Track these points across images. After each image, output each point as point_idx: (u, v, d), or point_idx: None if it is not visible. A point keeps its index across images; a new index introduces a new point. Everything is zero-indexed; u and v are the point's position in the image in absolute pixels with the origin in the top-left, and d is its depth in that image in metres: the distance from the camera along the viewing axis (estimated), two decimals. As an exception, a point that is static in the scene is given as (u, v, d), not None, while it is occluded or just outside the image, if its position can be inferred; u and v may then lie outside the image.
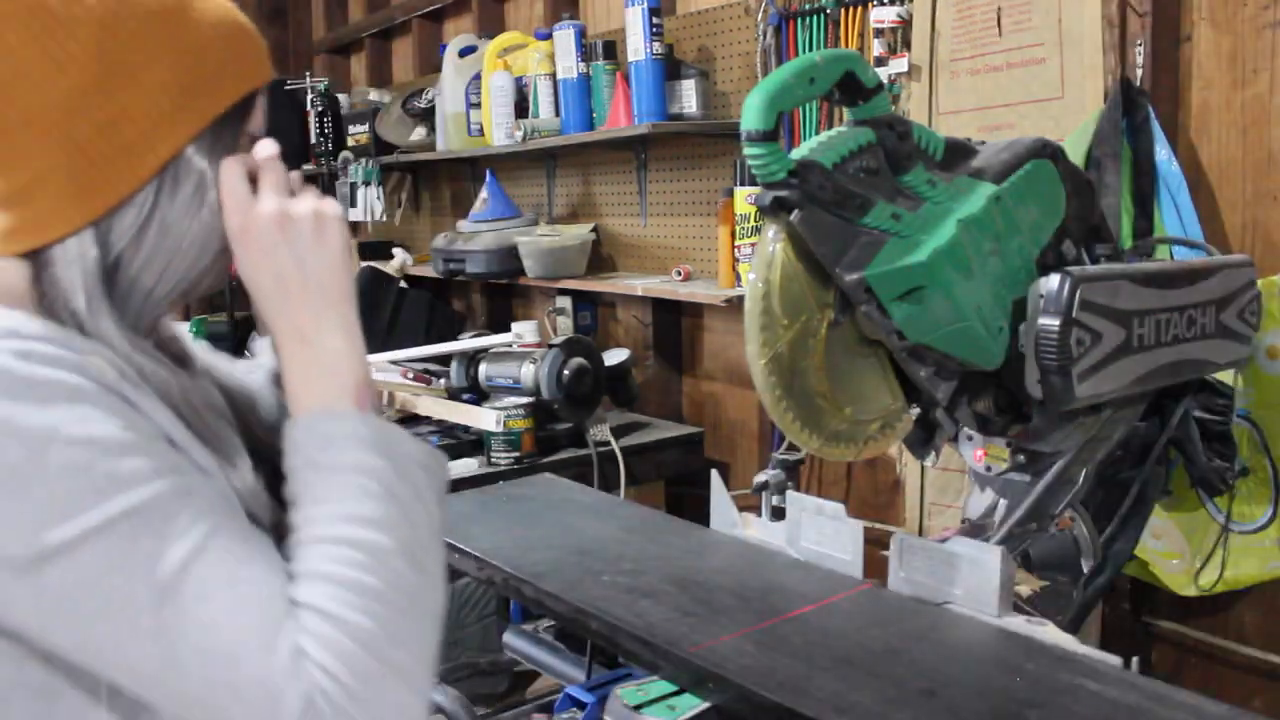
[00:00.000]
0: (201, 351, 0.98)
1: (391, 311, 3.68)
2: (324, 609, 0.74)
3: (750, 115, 1.09)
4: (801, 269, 1.15)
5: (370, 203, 4.10)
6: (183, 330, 0.98)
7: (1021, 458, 1.36)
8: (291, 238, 0.84)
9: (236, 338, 4.32)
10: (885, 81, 1.20)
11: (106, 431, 0.72)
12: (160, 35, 0.81)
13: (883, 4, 2.37)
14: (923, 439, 1.33)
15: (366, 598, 0.75)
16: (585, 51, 3.01)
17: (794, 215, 1.10)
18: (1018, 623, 1.29)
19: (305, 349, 0.83)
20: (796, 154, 1.12)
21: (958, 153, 1.23)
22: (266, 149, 0.88)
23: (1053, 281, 1.21)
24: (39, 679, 0.76)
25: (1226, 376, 1.66)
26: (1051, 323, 1.20)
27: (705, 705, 1.23)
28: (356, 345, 0.85)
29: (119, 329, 0.80)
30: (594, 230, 3.29)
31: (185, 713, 0.74)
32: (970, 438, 1.40)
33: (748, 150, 1.09)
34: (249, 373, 1.00)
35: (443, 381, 2.92)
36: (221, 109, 0.85)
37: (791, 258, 1.14)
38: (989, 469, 1.39)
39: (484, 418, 2.59)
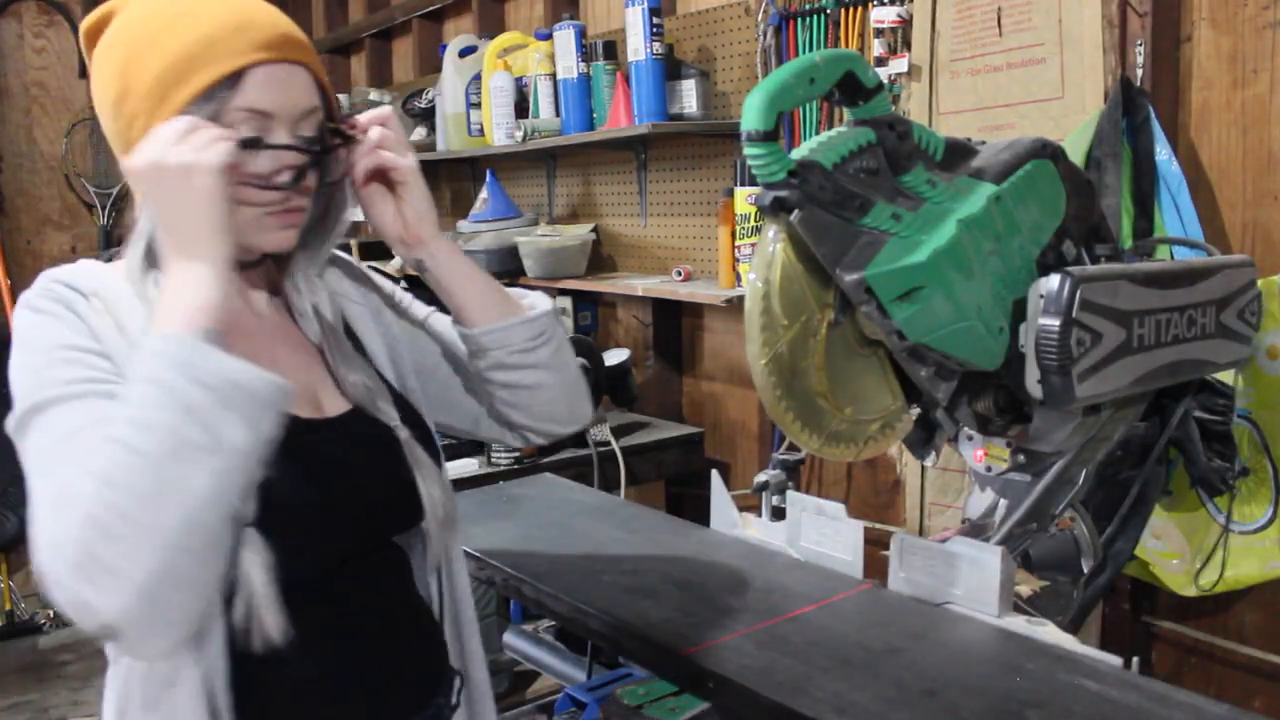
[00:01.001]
0: None
1: (392, 311, 3.67)
2: (81, 494, 0.87)
3: (750, 115, 1.09)
4: (801, 269, 1.15)
5: (370, 203, 4.09)
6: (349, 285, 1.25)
7: (1021, 458, 1.36)
8: (161, 183, 0.96)
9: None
10: (885, 81, 1.17)
11: (56, 343, 0.97)
12: (157, 45, 1.00)
13: (883, 4, 2.37)
14: (923, 439, 1.33)
15: (106, 489, 0.86)
16: (585, 51, 3.00)
17: (794, 216, 1.10)
18: (1018, 623, 1.29)
19: (168, 278, 0.96)
20: (797, 154, 1.11)
21: (958, 153, 1.23)
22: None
23: (1053, 281, 1.21)
24: None
25: (1227, 376, 1.66)
26: (1052, 323, 1.20)
27: (705, 705, 1.23)
28: (206, 278, 0.95)
29: (142, 277, 1.03)
30: (594, 230, 3.29)
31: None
32: (970, 438, 1.40)
33: (748, 150, 1.09)
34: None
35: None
36: (194, 92, 1.00)
37: (791, 258, 1.14)
38: (989, 469, 1.38)
39: (484, 418, 2.59)
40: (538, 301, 1.23)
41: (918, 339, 1.15)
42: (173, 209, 0.96)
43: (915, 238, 1.14)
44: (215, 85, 1.00)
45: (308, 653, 1.02)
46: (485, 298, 1.18)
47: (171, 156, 0.95)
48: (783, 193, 1.09)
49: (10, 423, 0.96)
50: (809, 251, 1.13)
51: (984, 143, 1.28)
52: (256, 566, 0.96)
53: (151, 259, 1.03)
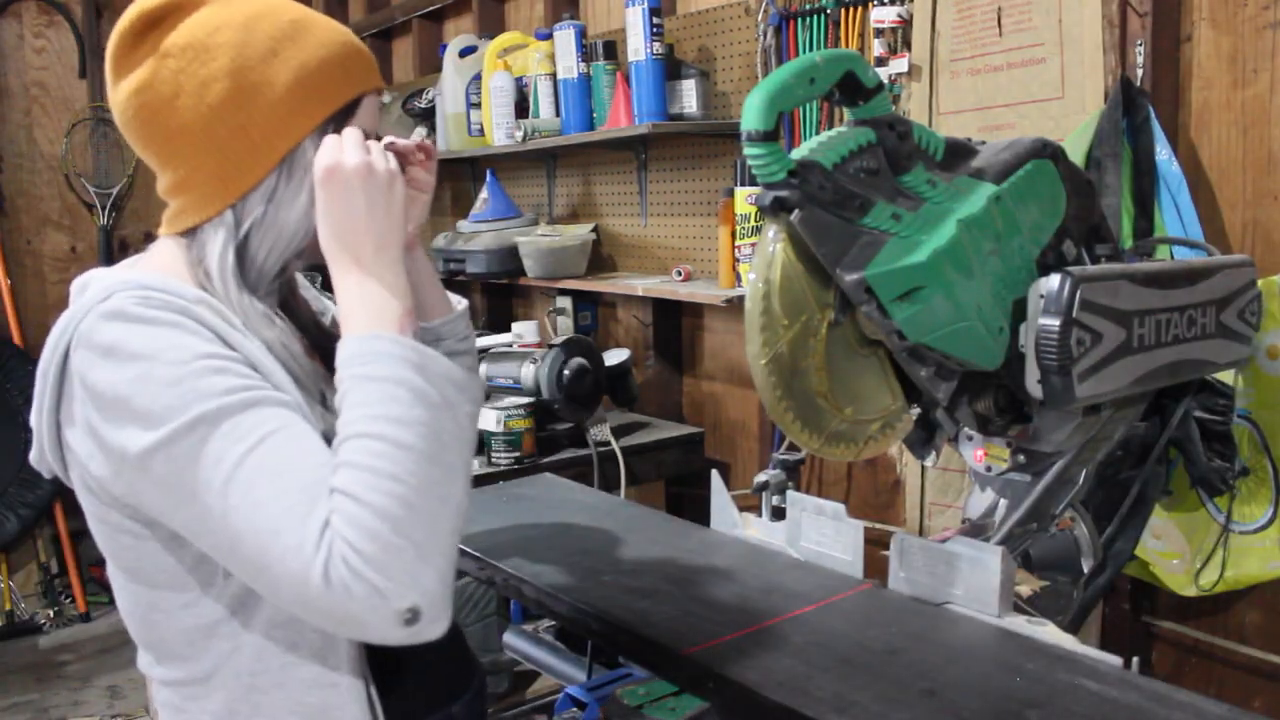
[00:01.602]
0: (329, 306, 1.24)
1: (392, 311, 3.67)
2: (351, 492, 0.88)
3: (750, 115, 1.09)
4: (802, 269, 1.15)
5: (370, 203, 4.09)
6: (314, 294, 1.27)
7: (1021, 458, 1.36)
8: (368, 186, 1.00)
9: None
10: (885, 81, 1.17)
11: (194, 353, 0.94)
12: (280, 55, 1.03)
13: (883, 4, 2.37)
14: (923, 439, 1.33)
15: (387, 482, 0.88)
16: (585, 51, 3.00)
17: (794, 215, 1.10)
18: (1018, 623, 1.29)
19: (362, 280, 0.99)
20: (797, 154, 1.11)
21: (958, 153, 1.23)
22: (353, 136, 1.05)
23: (1053, 281, 1.21)
24: (171, 563, 1.01)
25: (1227, 376, 1.66)
26: (1052, 322, 1.20)
27: (705, 705, 1.23)
28: (402, 282, 1.01)
29: (239, 287, 1.03)
30: (594, 230, 3.29)
31: (248, 578, 0.94)
32: (970, 438, 1.40)
33: (748, 150, 1.09)
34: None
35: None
36: (330, 111, 1.06)
37: (792, 258, 1.14)
38: (989, 469, 1.39)
39: (484, 418, 2.59)
40: (454, 296, 1.31)
41: (918, 339, 1.14)
42: (372, 213, 1.00)
43: (915, 238, 1.14)
44: (346, 106, 1.07)
45: None
46: (442, 293, 1.26)
47: (379, 163, 1.01)
48: (783, 193, 1.09)
49: (148, 440, 0.92)
50: (809, 251, 1.13)
51: (984, 143, 1.28)
52: None
53: (240, 265, 1.04)
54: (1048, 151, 1.25)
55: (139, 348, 0.93)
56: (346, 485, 0.88)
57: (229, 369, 0.95)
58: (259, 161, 1.03)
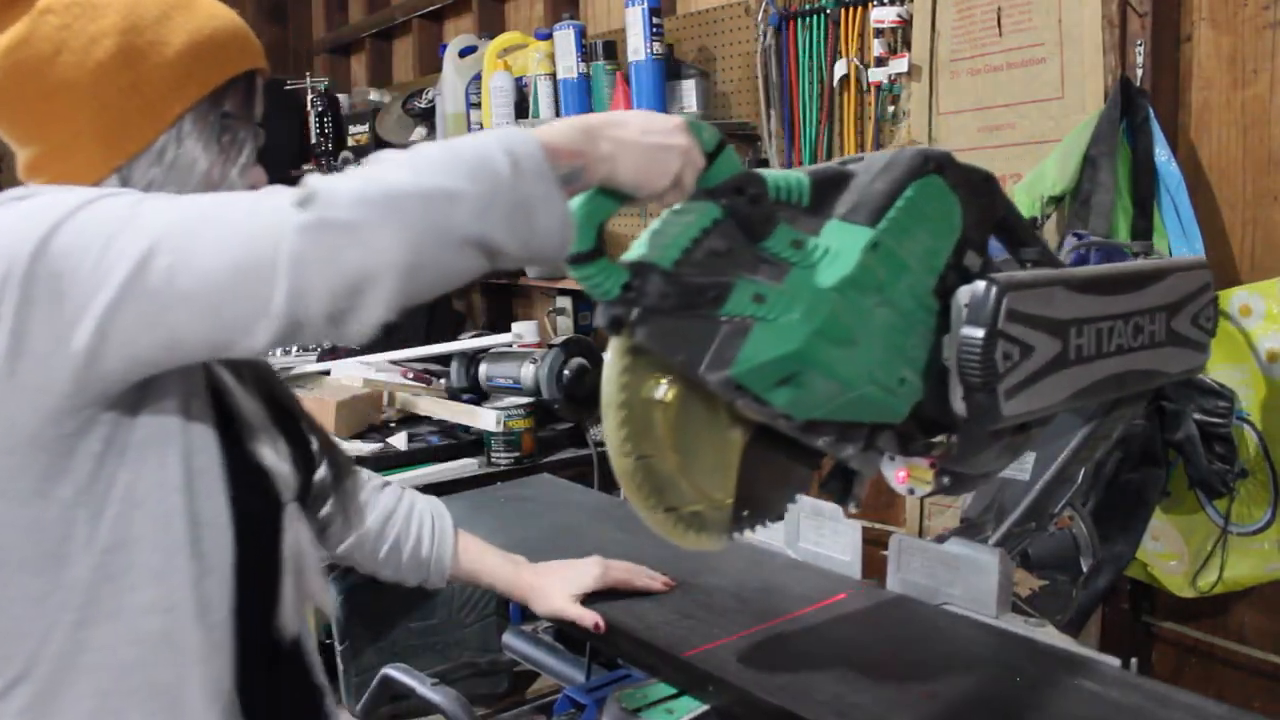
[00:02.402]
0: None
1: (392, 311, 3.67)
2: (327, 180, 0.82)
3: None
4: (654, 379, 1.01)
5: (370, 203, 4.09)
6: None
7: (947, 480, 1.22)
8: (630, 114, 0.96)
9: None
10: (725, 139, 1.00)
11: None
12: (172, 18, 1.01)
13: (883, 4, 2.37)
14: (841, 488, 1.18)
15: (391, 167, 0.83)
16: (585, 51, 3.00)
17: (638, 333, 0.96)
18: (1017, 623, 1.29)
19: (551, 123, 0.92)
20: (633, 254, 0.97)
21: (828, 186, 1.07)
22: None
23: (977, 288, 1.07)
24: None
25: (1227, 378, 1.66)
26: (975, 333, 1.06)
27: (704, 708, 1.23)
28: (577, 133, 0.92)
29: None
30: (594, 230, 3.28)
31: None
32: (891, 458, 1.23)
33: (573, 273, 0.95)
34: None
35: (443, 381, 2.91)
36: (224, 78, 1.04)
37: (636, 381, 1.01)
38: (912, 491, 1.24)
39: (484, 418, 2.59)
40: None
41: (807, 416, 1.03)
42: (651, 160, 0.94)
43: (784, 318, 0.99)
44: (240, 78, 1.05)
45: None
46: None
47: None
48: (618, 310, 0.95)
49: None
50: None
51: (861, 158, 1.11)
52: (306, 538, 1.02)
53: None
54: (930, 166, 1.08)
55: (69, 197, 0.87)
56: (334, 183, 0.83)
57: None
58: (150, 122, 1.00)
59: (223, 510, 0.98)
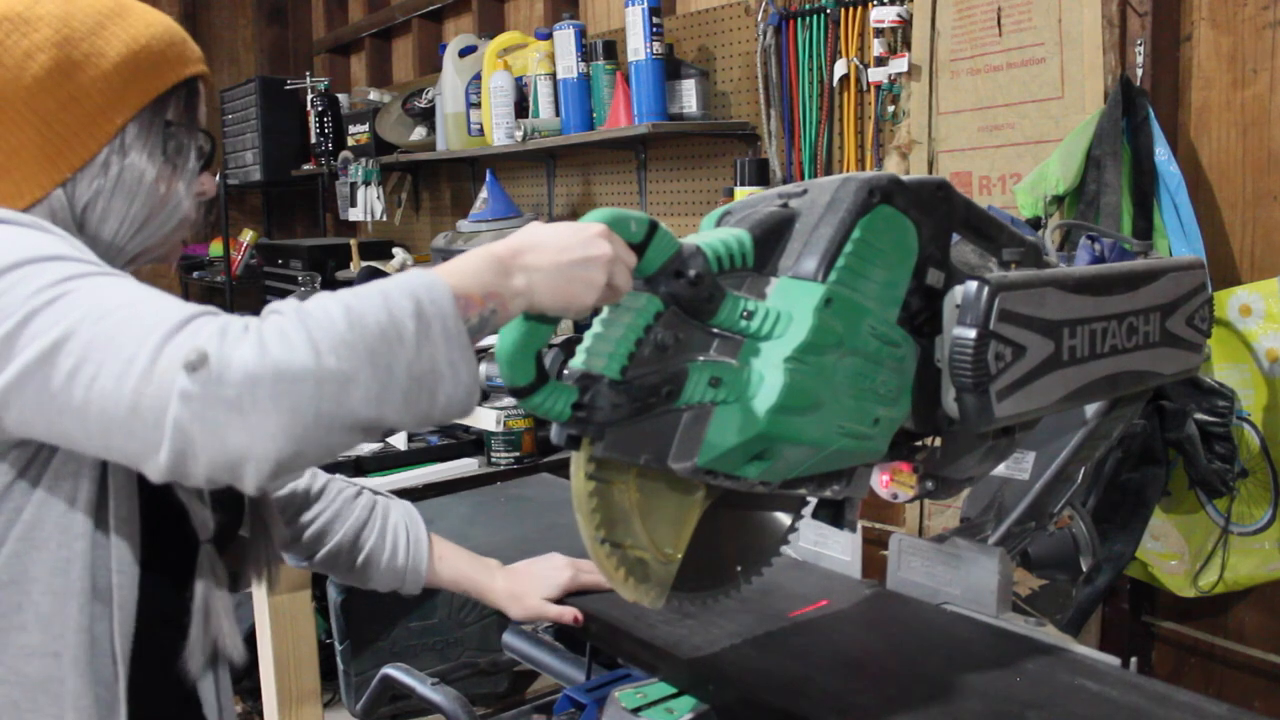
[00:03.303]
0: None
1: (391, 311, 3.67)
2: (250, 322, 0.79)
3: (505, 373, 0.92)
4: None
5: (370, 203, 4.10)
6: None
7: (930, 484, 1.22)
8: (545, 231, 0.91)
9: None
10: (655, 221, 0.94)
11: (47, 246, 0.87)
12: (107, 28, 1.00)
13: (883, 4, 2.37)
14: (832, 515, 1.17)
15: (299, 330, 0.78)
16: (585, 51, 3.00)
17: (597, 448, 0.94)
18: (1017, 623, 1.29)
19: (462, 257, 0.89)
20: (578, 362, 0.93)
21: (772, 237, 1.01)
22: None
23: (970, 288, 1.06)
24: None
25: (1227, 378, 1.66)
26: (967, 334, 1.05)
27: (704, 707, 1.23)
28: (490, 272, 0.88)
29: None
30: (594, 230, 3.29)
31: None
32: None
33: (520, 405, 0.93)
34: None
35: (442, 381, 2.91)
36: (165, 86, 1.03)
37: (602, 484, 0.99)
38: (895, 496, 1.25)
39: (484, 418, 2.59)
40: None
41: (783, 478, 1.02)
42: (537, 240, 0.90)
43: (744, 399, 0.96)
44: (181, 84, 1.05)
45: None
46: None
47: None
48: (573, 430, 0.92)
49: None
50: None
51: (804, 189, 1.05)
52: (217, 581, 1.01)
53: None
54: (876, 197, 1.02)
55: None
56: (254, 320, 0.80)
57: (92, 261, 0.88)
58: (91, 135, 0.99)
59: (130, 553, 0.96)
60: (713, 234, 1.00)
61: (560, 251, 0.89)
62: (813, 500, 1.17)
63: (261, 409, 0.76)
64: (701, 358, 0.96)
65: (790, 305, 0.98)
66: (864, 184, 1.01)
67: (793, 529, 1.19)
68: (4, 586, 0.92)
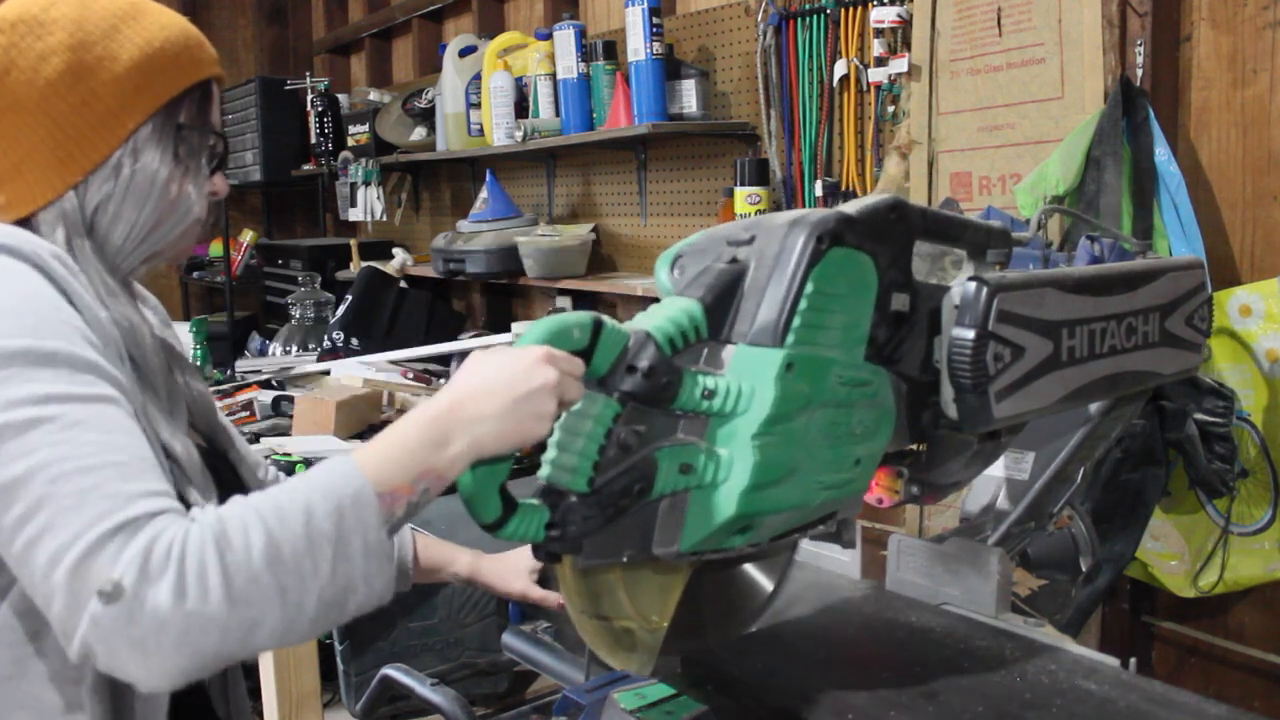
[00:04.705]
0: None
1: (391, 311, 3.68)
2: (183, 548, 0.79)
3: (472, 513, 0.90)
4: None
5: (370, 203, 4.10)
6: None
7: (916, 489, 1.21)
8: (484, 370, 0.90)
9: (235, 337, 4.31)
10: (604, 320, 0.91)
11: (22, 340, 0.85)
12: (121, 31, 1.01)
13: (883, 4, 2.37)
14: (832, 535, 1.15)
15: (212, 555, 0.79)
16: (585, 51, 3.00)
17: (577, 561, 0.93)
18: (1017, 623, 1.29)
19: (400, 423, 0.89)
20: (544, 474, 0.91)
21: (724, 299, 0.97)
22: None
23: (968, 289, 1.05)
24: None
25: (1227, 378, 1.66)
26: (965, 335, 1.04)
27: (703, 709, 1.23)
28: (424, 447, 0.87)
29: (97, 265, 0.99)
30: (594, 230, 3.29)
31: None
32: None
33: (494, 536, 0.91)
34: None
35: (443, 381, 2.92)
36: (178, 89, 1.04)
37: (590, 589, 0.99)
38: (880, 501, 1.23)
39: (483, 418, 2.59)
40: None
41: (772, 536, 1.01)
42: (472, 389, 0.90)
43: (716, 483, 0.94)
44: (194, 87, 1.06)
45: None
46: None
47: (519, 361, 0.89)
48: (551, 547, 0.91)
49: None
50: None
51: (750, 237, 0.99)
52: None
53: (96, 247, 1.00)
54: (825, 244, 0.96)
55: None
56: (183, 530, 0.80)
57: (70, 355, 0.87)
58: (103, 138, 1.00)
59: None
60: (662, 312, 0.95)
61: (503, 391, 0.87)
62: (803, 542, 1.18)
63: (164, 653, 0.77)
64: (668, 443, 0.93)
65: (751, 376, 0.94)
66: (811, 231, 0.95)
67: (776, 593, 1.20)
68: (23, 615, 0.93)
